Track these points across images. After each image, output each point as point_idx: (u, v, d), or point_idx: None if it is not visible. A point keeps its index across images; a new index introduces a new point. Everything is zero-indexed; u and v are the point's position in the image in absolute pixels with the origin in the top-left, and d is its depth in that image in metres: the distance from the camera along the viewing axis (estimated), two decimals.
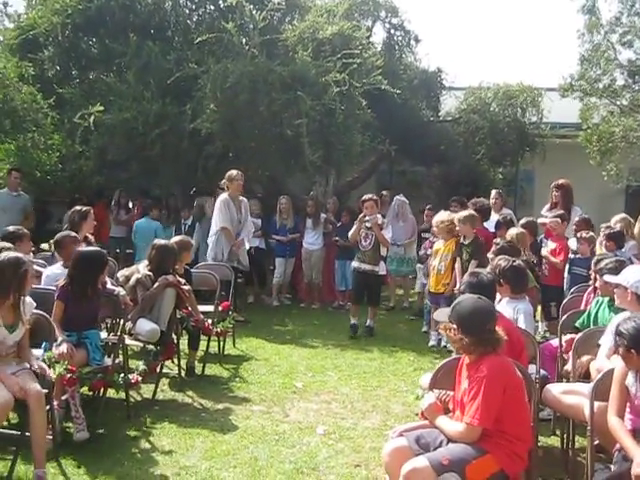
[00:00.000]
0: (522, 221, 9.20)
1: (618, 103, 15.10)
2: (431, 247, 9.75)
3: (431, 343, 9.14)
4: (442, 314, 4.30)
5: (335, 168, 13.94)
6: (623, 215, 9.17)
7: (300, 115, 11.25)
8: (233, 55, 11.78)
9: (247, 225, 10.28)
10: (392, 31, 16.36)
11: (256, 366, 7.99)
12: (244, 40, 12.07)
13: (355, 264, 9.82)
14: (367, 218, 9.56)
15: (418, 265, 11.36)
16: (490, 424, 3.80)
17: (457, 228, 8.76)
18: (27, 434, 4.64)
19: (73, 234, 6.84)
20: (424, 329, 9.84)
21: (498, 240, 7.79)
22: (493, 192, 11.08)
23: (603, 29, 15.26)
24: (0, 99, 11.89)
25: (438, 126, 16.57)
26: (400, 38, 16.50)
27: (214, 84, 11.37)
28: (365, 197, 9.82)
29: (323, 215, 12.14)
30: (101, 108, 11.49)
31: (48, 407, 5.21)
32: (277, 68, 11.39)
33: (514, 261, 5.92)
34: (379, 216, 9.84)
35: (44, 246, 11.29)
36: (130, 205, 13.95)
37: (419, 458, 3.77)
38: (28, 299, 5.12)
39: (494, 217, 9.91)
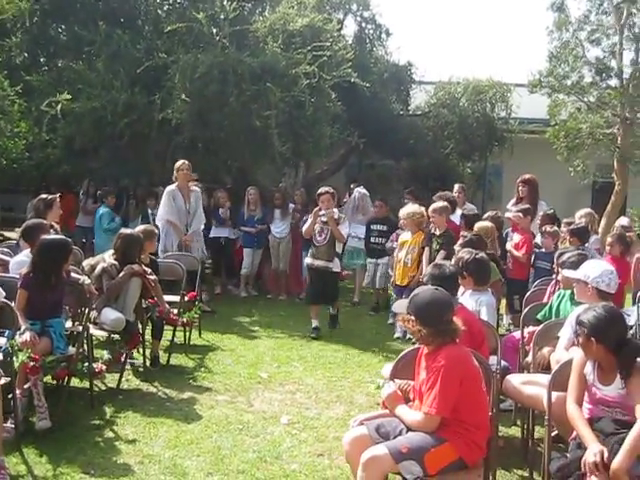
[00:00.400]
0: (487, 214, 9.31)
1: (585, 100, 15.29)
2: (396, 240, 9.81)
3: (396, 335, 9.20)
4: (400, 306, 4.35)
5: (304, 160, 14.03)
6: (588, 210, 9.32)
7: (269, 107, 11.25)
8: (203, 45, 11.78)
9: (197, 216, 10.15)
10: (363, 24, 16.45)
11: (222, 356, 8.00)
12: (214, 30, 11.99)
13: (308, 260, 9.49)
14: (322, 212, 9.10)
15: (369, 260, 11.30)
16: (448, 413, 3.85)
17: (431, 219, 8.83)
18: None
19: (43, 222, 6.79)
20: (390, 321, 9.90)
21: (465, 233, 7.88)
22: (456, 186, 11.23)
23: (572, 27, 15.48)
24: None
25: (408, 120, 16.66)
26: (371, 31, 16.60)
27: (184, 74, 11.33)
28: (321, 190, 9.37)
29: (292, 205, 12.14)
30: (69, 96, 11.37)
31: (10, 396, 5.24)
32: (247, 59, 11.36)
33: (477, 254, 6.00)
34: (335, 210, 9.33)
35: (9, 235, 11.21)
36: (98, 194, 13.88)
37: (378, 446, 3.81)
38: None
39: (457, 211, 9.97)
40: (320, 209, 9.17)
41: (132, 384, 6.84)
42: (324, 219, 9.13)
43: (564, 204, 12.77)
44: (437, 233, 8.77)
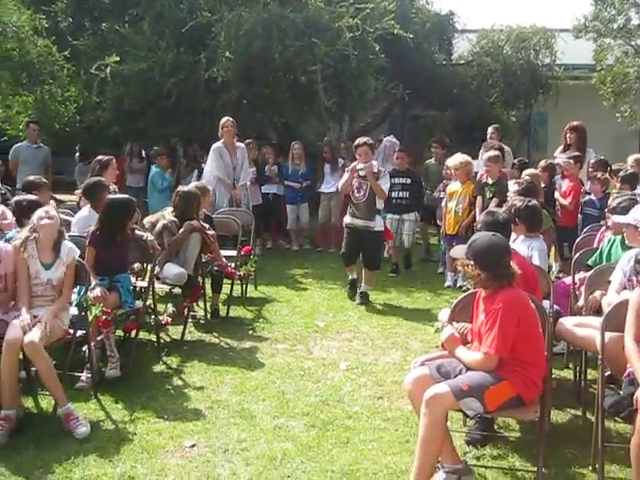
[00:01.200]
0: (541, 163, 9.37)
1: (633, 43, 15.01)
2: (444, 190, 9.92)
3: (447, 284, 9.35)
4: (458, 251, 4.49)
5: (349, 114, 14.06)
6: (637, 156, 9.27)
7: (314, 61, 11.33)
8: (246, 3, 11.86)
9: (244, 170, 10.32)
10: None
11: (278, 307, 8.25)
12: None
13: (347, 219, 8.63)
14: (360, 166, 8.33)
15: (391, 216, 10.15)
16: (506, 353, 4.02)
17: (486, 167, 8.94)
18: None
19: (103, 180, 7.05)
20: (440, 270, 10.05)
21: (520, 180, 7.90)
22: (490, 129, 11.22)
23: None
24: (16, 53, 12.04)
25: (451, 70, 16.57)
26: None
27: (228, 32, 11.46)
28: (358, 141, 8.53)
29: (341, 160, 12.20)
30: (116, 59, 11.60)
31: (85, 347, 5.55)
32: (290, 15, 11.42)
33: (530, 201, 6.09)
34: (375, 163, 8.57)
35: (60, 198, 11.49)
36: (144, 154, 14.13)
37: (440, 385, 4.00)
38: (70, 244, 5.36)
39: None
40: (358, 162, 8.46)
41: (195, 336, 7.13)
42: (362, 173, 8.36)
43: (612, 150, 12.70)
44: (489, 182, 8.87)
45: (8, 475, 4.21)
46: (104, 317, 5.55)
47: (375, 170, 8.37)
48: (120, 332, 6.16)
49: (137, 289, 6.55)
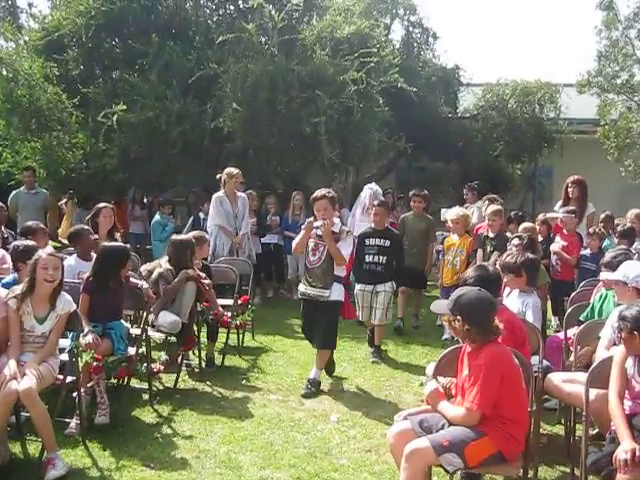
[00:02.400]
0: (540, 217, 9.46)
1: (636, 99, 15.22)
2: (441, 243, 9.98)
3: (445, 336, 9.31)
4: (439, 306, 4.51)
5: (353, 165, 14.19)
6: (637, 211, 9.33)
7: (318, 113, 11.48)
8: (253, 55, 12.07)
9: (245, 219, 10.29)
10: (410, 28, 16.65)
11: (274, 358, 8.25)
12: (263, 40, 12.33)
13: (300, 288, 7.28)
14: (317, 223, 6.96)
15: (361, 286, 8.55)
16: (488, 409, 4.02)
17: (490, 221, 8.95)
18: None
19: (87, 227, 7.22)
20: (438, 323, 10.03)
21: (521, 234, 7.92)
22: (465, 189, 11.67)
23: (621, 25, 15.39)
24: (26, 99, 12.27)
25: (456, 123, 16.77)
26: (418, 35, 16.79)
27: (234, 83, 11.68)
28: (316, 194, 7.06)
29: (345, 211, 12.22)
30: (124, 107, 11.77)
31: (75, 394, 5.56)
32: (296, 67, 11.63)
33: (533, 255, 6.18)
34: (336, 220, 7.20)
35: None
36: (145, 201, 14.31)
37: (421, 439, 4.00)
38: (67, 296, 5.41)
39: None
40: (314, 219, 7.10)
41: (188, 384, 7.13)
42: (319, 232, 6.97)
43: (615, 204, 12.73)
44: (490, 235, 8.91)
45: None
46: (95, 363, 5.57)
47: (336, 229, 7.00)
48: (113, 379, 6.19)
49: (132, 336, 6.57)
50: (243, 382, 7.25)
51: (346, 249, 7.04)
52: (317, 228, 6.94)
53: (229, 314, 7.89)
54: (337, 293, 7.01)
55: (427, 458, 3.93)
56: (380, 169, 16.28)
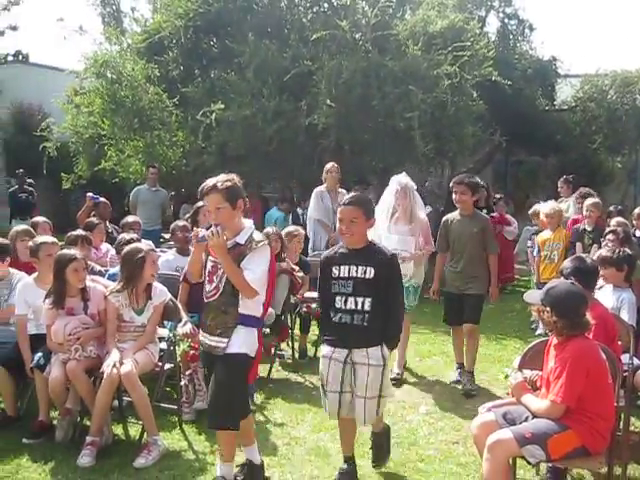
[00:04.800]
0: (636, 210, 9.24)
1: None
2: (530, 239, 9.87)
3: (538, 332, 9.23)
4: (532, 296, 4.52)
5: (448, 159, 14.16)
6: None
7: (412, 108, 11.53)
8: (346, 51, 12.20)
9: None
10: (506, 20, 16.49)
11: None
12: (357, 36, 12.44)
13: (200, 337, 4.80)
14: (203, 232, 4.50)
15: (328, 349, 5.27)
16: (573, 402, 4.02)
17: (590, 213, 8.80)
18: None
19: (182, 224, 7.55)
20: (532, 318, 9.94)
21: (615, 228, 7.77)
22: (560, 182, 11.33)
23: None
24: (129, 100, 12.79)
25: (554, 115, 16.54)
26: (514, 27, 16.61)
27: (328, 80, 11.82)
28: (204, 185, 4.56)
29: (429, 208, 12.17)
30: (222, 106, 12.09)
31: (175, 381, 5.84)
32: (389, 63, 11.72)
33: (631, 249, 6.13)
34: (247, 223, 4.62)
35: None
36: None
37: (504, 430, 4.04)
38: (160, 287, 5.68)
39: None
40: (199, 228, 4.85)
41: (281, 374, 7.33)
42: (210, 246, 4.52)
43: None
44: (588, 228, 8.81)
45: None
46: (192, 352, 5.81)
47: (241, 240, 4.48)
48: None
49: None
50: None
51: (254, 270, 4.40)
52: (202, 239, 4.45)
53: None
54: (240, 342, 4.47)
55: (509, 449, 3.97)
56: (476, 163, 16.18)
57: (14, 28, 20.93)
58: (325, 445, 5.43)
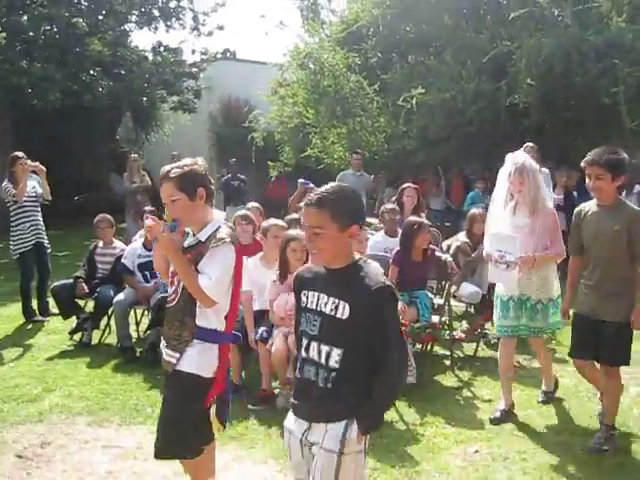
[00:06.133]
0: None
1: None
2: None
3: None
4: None
5: None
6: None
7: (617, 83, 11.21)
8: (546, 28, 12.01)
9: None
10: None
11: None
12: (556, 12, 12.21)
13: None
14: (149, 221, 3.76)
15: None
16: None
17: None
18: None
19: (391, 206, 7.90)
20: None
21: None
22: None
23: None
24: (332, 89, 13.33)
25: None
26: None
27: (528, 59, 11.73)
28: (163, 171, 3.74)
29: (638, 186, 11.73)
30: (422, 90, 12.32)
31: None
32: (591, 37, 11.43)
33: None
34: (218, 215, 3.89)
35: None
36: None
37: None
38: (375, 264, 5.98)
39: None
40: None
41: (487, 353, 7.42)
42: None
43: None
44: None
45: None
46: (402, 329, 6.11)
47: (202, 237, 3.72)
48: (418, 345, 6.78)
49: (435, 306, 7.05)
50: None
51: (210, 274, 3.60)
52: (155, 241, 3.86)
53: None
54: (191, 360, 3.69)
55: None
56: None
57: (221, 28, 22.11)
58: (532, 422, 5.52)
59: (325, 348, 3.01)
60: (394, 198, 8.68)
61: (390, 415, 5.68)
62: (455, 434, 5.29)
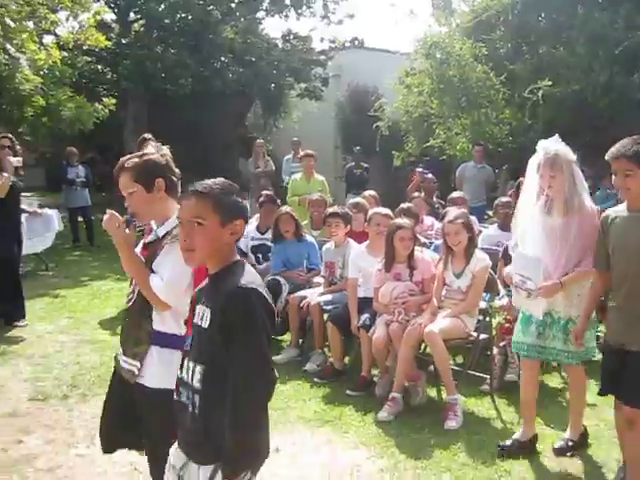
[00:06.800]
0: None
1: None
2: None
3: None
4: None
5: None
6: None
7: None
8: None
9: None
10: None
11: None
12: None
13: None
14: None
15: None
16: None
17: None
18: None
19: (505, 199, 7.96)
20: None
21: None
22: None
23: None
24: (457, 79, 13.15)
25: None
26: None
27: None
28: (120, 164, 3.55)
29: None
30: (549, 82, 11.94)
31: (488, 352, 6.09)
32: None
33: None
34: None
35: None
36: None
37: None
38: (482, 255, 5.91)
39: None
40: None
41: (598, 356, 7.16)
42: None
43: None
44: None
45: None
46: (507, 325, 6.02)
47: (160, 233, 3.44)
48: None
49: None
50: None
51: (163, 274, 3.29)
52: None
53: None
54: (154, 371, 3.33)
55: None
56: None
57: (351, 16, 22.23)
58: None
59: (191, 365, 2.65)
60: (510, 192, 8.50)
61: (487, 412, 5.62)
62: (553, 436, 5.14)
